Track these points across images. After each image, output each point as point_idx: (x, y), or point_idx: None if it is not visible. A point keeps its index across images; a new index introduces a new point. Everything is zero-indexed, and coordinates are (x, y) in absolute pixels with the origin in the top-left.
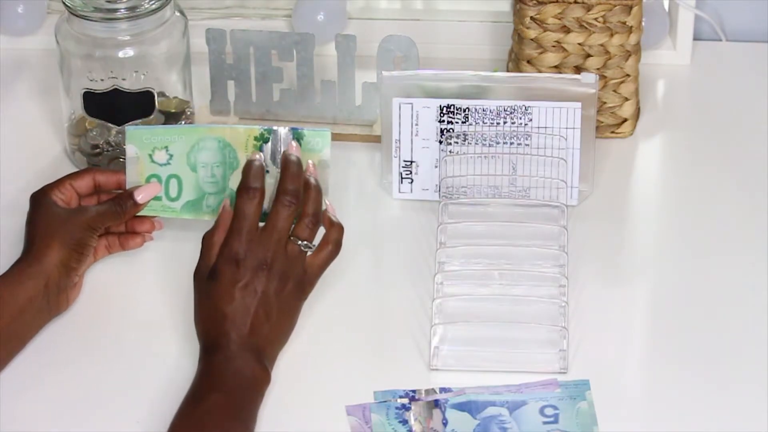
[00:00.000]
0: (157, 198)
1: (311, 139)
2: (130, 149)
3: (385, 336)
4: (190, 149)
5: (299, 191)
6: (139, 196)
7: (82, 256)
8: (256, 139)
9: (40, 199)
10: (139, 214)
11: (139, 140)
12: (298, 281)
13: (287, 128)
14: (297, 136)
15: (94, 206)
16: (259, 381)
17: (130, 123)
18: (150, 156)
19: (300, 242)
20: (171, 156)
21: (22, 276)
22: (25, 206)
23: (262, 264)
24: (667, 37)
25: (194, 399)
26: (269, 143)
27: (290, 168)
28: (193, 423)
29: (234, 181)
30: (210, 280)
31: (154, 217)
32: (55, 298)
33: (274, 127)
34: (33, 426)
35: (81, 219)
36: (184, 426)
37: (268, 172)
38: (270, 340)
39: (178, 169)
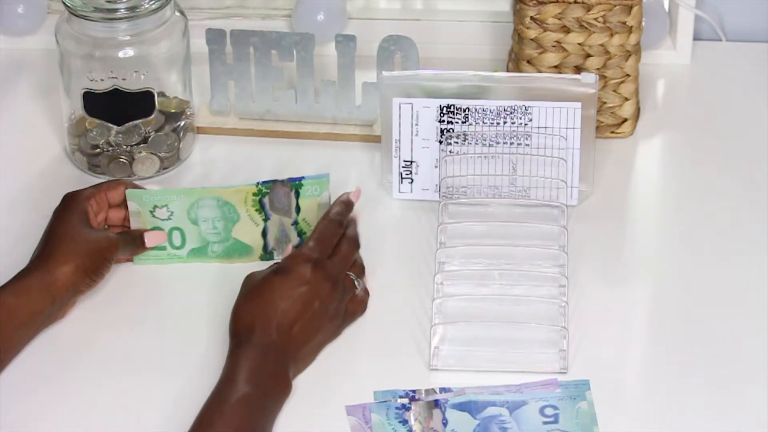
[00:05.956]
0: (161, 248)
1: (309, 187)
2: (132, 205)
3: (385, 336)
4: (189, 207)
5: (358, 238)
6: (147, 239)
7: (94, 282)
8: (254, 195)
9: (72, 206)
10: (146, 263)
11: (139, 199)
12: (344, 313)
13: (285, 180)
14: (296, 187)
15: (116, 236)
16: (284, 389)
17: (127, 179)
18: (151, 212)
19: (352, 275)
20: (172, 213)
21: (31, 288)
22: (25, 206)
23: (334, 280)
24: (667, 37)
25: (225, 390)
26: (268, 195)
27: (352, 218)
28: (224, 413)
29: (237, 232)
30: (275, 273)
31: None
32: (56, 312)
33: (272, 180)
34: (35, 426)
35: (104, 248)
36: (215, 415)
37: (269, 219)
38: (302, 355)
39: (179, 223)
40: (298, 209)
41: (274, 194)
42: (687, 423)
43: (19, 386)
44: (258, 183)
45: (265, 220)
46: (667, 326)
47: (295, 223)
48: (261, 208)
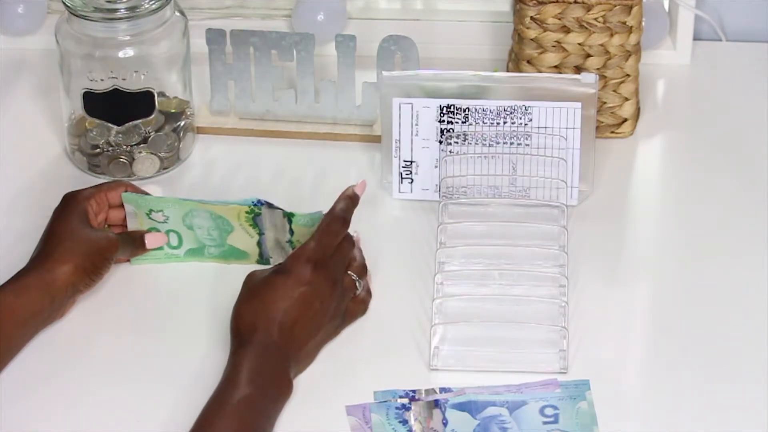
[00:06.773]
0: (158, 248)
1: (301, 218)
2: (129, 207)
3: (385, 336)
4: (184, 215)
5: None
6: (147, 241)
7: (93, 282)
8: (247, 213)
9: (72, 206)
10: (142, 263)
11: (135, 203)
12: (344, 313)
13: (277, 208)
14: (287, 216)
15: (116, 236)
16: (286, 390)
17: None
18: (147, 215)
19: (354, 276)
20: (168, 217)
21: (30, 288)
22: (25, 206)
23: (334, 279)
24: (667, 37)
25: (227, 391)
26: (261, 217)
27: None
28: (225, 414)
29: (233, 240)
30: (276, 273)
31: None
32: (56, 311)
33: (265, 203)
34: (35, 426)
35: (104, 248)
36: (216, 416)
37: (263, 234)
38: (303, 356)
39: (175, 227)
40: (291, 232)
41: (267, 217)
42: (687, 423)
43: (19, 386)
44: (251, 203)
45: (260, 234)
46: (667, 326)
47: (290, 242)
48: (255, 224)
